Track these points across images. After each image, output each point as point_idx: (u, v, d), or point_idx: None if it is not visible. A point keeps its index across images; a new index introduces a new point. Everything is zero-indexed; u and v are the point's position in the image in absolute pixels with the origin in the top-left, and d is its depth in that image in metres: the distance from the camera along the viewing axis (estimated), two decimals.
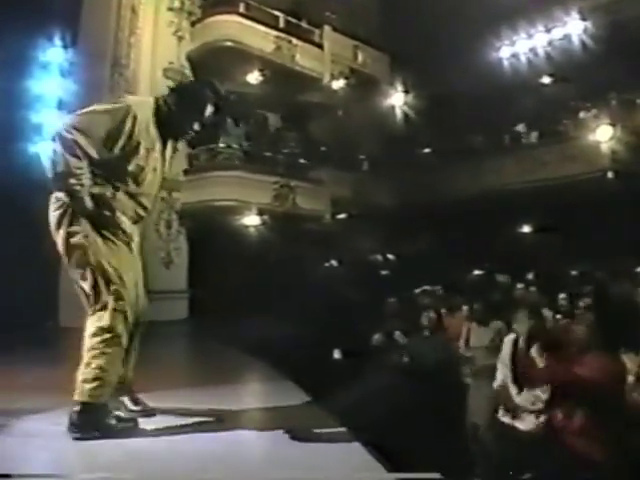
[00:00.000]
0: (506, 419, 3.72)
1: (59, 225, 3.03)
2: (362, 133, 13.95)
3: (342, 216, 13.89)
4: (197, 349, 8.06)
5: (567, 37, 13.00)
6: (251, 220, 11.58)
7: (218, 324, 8.58)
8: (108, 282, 3.00)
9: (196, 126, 3.32)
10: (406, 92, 13.79)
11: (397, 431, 3.54)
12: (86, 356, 2.97)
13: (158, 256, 11.35)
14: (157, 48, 11.92)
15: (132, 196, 3.16)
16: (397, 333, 6.33)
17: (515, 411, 3.82)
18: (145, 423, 3.19)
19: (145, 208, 3.26)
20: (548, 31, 13.54)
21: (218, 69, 12.26)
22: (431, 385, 4.08)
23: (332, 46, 13.94)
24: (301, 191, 12.47)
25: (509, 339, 4.32)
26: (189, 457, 2.84)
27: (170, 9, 12.19)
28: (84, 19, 11.49)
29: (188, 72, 12.16)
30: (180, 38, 12.28)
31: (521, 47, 14.10)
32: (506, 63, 14.26)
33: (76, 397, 2.92)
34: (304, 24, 13.55)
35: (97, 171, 3.03)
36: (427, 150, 15.64)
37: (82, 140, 2.93)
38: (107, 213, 3.04)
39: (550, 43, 13.50)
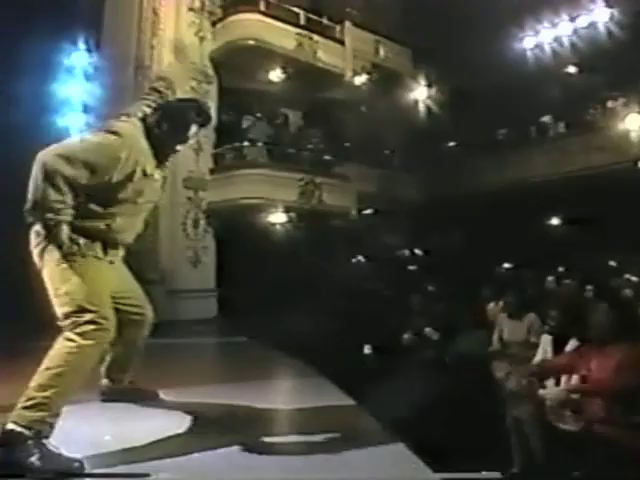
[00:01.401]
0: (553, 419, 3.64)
1: (41, 259, 2.85)
2: (386, 128, 13.87)
3: (368, 212, 13.85)
4: (226, 347, 8.07)
5: (592, 25, 12.70)
6: (277, 218, 11.57)
7: (247, 322, 8.60)
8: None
9: (179, 147, 3.21)
10: (429, 86, 13.65)
11: (435, 425, 3.51)
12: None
13: (186, 255, 11.48)
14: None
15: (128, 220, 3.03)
16: (428, 329, 6.30)
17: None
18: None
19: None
20: (573, 20, 13.24)
21: (240, 68, 12.35)
22: (471, 379, 4.04)
23: (353, 42, 13.83)
24: (327, 188, 12.40)
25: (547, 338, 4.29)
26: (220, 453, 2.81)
27: (191, 9, 12.19)
28: (107, 22, 11.61)
29: (211, 72, 12.21)
30: (202, 38, 12.29)
31: (545, 37, 13.80)
32: (530, 54, 14.00)
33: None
34: (325, 20, 13.48)
35: (88, 203, 2.85)
36: (452, 144, 15.53)
37: (68, 170, 2.68)
38: (82, 241, 2.81)
39: (575, 32, 13.18)
